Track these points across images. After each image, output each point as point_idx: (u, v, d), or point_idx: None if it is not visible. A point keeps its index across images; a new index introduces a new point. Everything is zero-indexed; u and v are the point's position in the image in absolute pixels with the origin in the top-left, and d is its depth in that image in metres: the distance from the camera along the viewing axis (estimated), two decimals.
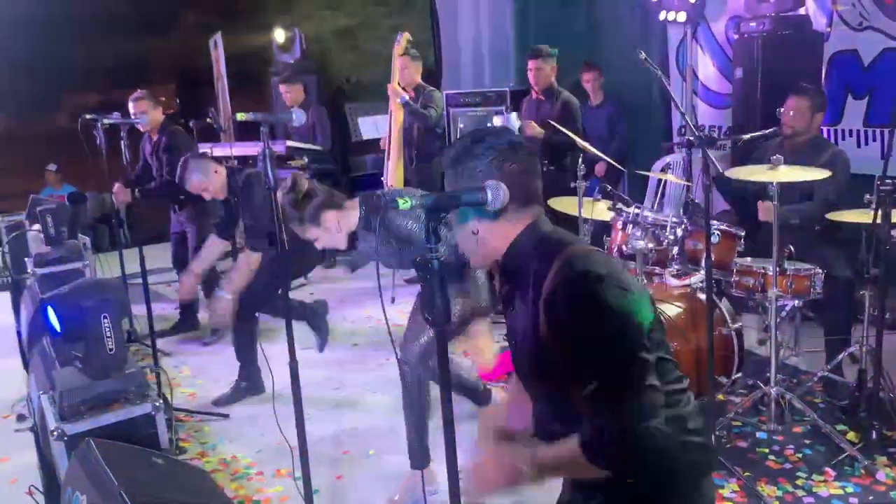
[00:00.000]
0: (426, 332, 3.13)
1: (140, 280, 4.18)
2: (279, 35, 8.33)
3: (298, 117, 2.42)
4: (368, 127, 7.42)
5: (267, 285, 3.97)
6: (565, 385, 1.47)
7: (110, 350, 3.01)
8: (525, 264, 1.56)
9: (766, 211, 3.70)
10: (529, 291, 1.53)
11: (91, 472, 2.54)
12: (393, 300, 6.03)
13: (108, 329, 3.00)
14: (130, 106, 5.28)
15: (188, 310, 5.66)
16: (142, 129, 5.35)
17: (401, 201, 1.35)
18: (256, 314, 4.25)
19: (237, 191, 4.04)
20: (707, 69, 6.18)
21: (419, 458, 3.23)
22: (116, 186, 5.20)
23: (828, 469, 3.21)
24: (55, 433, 2.87)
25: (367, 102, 7.68)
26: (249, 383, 4.35)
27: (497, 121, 5.12)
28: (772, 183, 3.35)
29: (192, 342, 5.41)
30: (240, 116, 2.33)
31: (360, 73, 8.12)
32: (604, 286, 1.43)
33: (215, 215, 5.12)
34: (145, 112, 5.22)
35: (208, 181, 4.13)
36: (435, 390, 3.40)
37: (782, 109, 4.04)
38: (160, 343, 4.69)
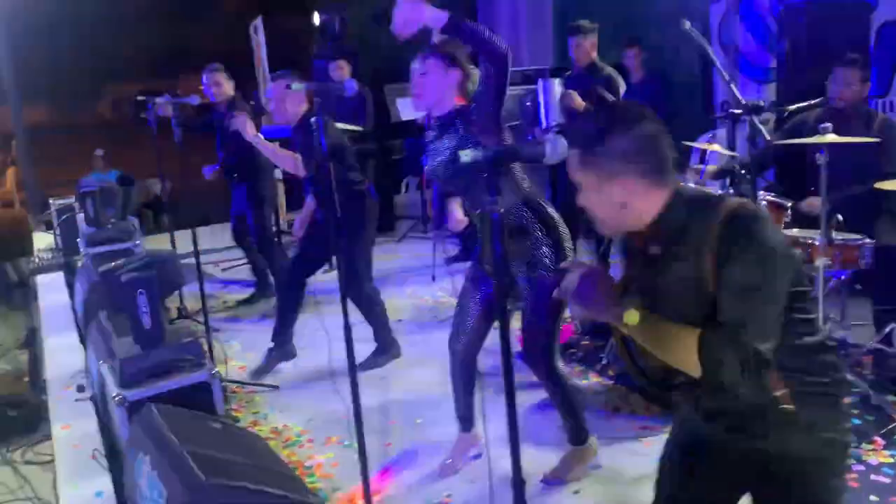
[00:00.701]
0: (469, 320, 3.12)
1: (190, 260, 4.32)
2: (319, 18, 8.40)
3: (350, 86, 2.47)
4: (406, 108, 7.45)
5: (322, 247, 4.11)
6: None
7: (146, 326, 3.10)
8: (687, 221, 1.67)
9: (813, 207, 3.68)
10: (690, 245, 1.65)
11: (153, 435, 2.64)
12: (433, 278, 6.10)
13: (143, 305, 3.09)
14: (204, 77, 5.44)
15: (264, 279, 5.88)
16: (215, 101, 5.54)
17: (463, 154, 1.39)
18: (305, 279, 4.40)
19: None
20: (749, 44, 6.11)
21: (468, 421, 3.31)
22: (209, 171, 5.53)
23: (877, 438, 3.20)
24: (117, 399, 2.98)
25: (406, 83, 7.71)
26: (279, 350, 4.46)
27: (557, 84, 5.00)
28: (822, 150, 3.32)
29: (241, 320, 5.53)
30: (294, 86, 2.39)
31: (399, 55, 8.14)
32: (770, 225, 1.61)
33: (270, 195, 5.33)
34: (220, 84, 5.42)
35: (288, 95, 3.86)
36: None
37: (829, 81, 4.00)
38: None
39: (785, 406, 1.67)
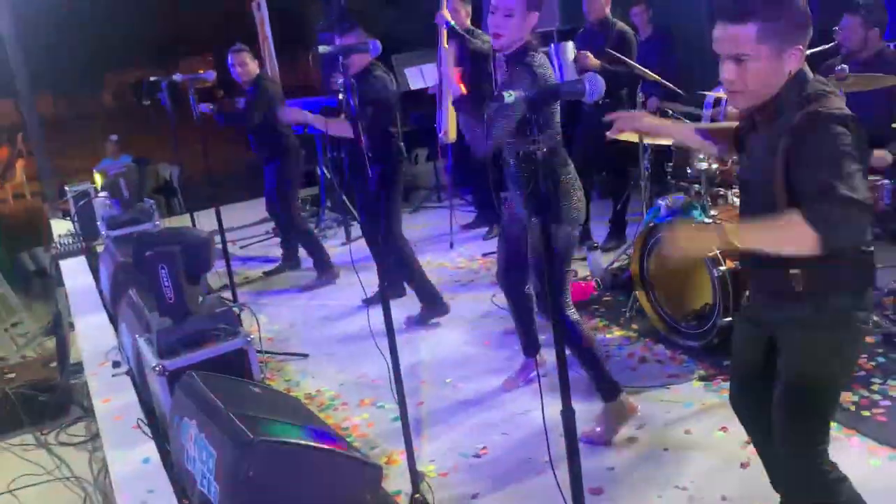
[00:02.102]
0: (510, 254, 3.33)
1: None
2: None
3: (375, 46, 2.49)
4: (415, 77, 7.45)
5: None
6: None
7: (169, 299, 3.15)
8: (786, 106, 1.81)
9: (883, 158, 3.67)
10: (774, 129, 1.81)
11: (197, 400, 2.71)
12: (451, 245, 6.14)
13: (165, 278, 3.13)
14: (230, 58, 5.49)
15: (292, 250, 6.01)
16: (240, 80, 5.59)
17: (506, 95, 1.43)
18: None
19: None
20: None
21: (530, 347, 3.51)
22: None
23: None
24: (156, 369, 3.05)
25: (412, 53, 7.71)
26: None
27: (570, 46, 5.00)
28: (839, 91, 3.33)
29: (265, 294, 5.60)
30: (322, 49, 2.41)
31: (403, 26, 8.13)
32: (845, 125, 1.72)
33: (297, 172, 5.59)
34: (245, 64, 5.47)
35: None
36: None
37: (837, 28, 4.00)
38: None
39: (798, 287, 1.85)
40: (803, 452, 2.00)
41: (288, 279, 5.86)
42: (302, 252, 5.98)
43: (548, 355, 3.56)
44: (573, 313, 3.15)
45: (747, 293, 3.37)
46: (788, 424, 2.00)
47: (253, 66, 5.55)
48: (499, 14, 2.90)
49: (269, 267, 6.17)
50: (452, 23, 5.65)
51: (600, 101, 5.05)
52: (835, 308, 1.88)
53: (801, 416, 1.98)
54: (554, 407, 1.82)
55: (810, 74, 1.86)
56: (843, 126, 1.71)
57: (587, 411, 3.25)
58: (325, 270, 5.61)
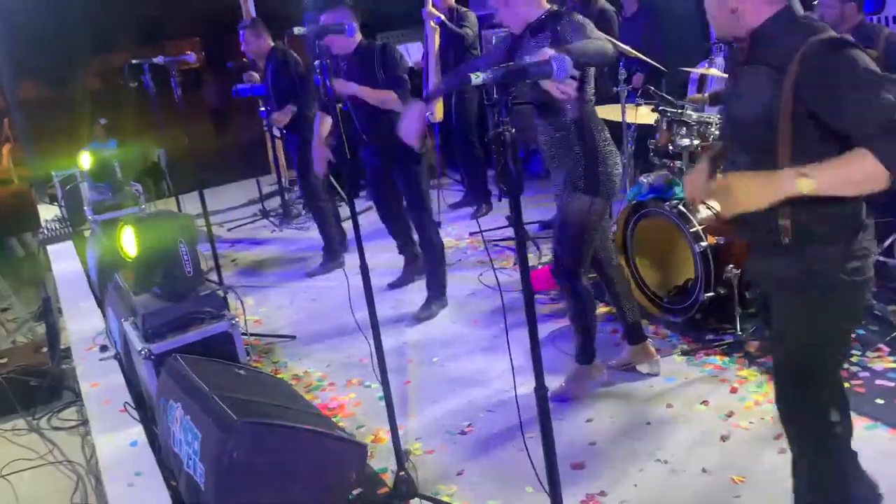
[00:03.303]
0: None
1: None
2: None
3: (350, 28, 2.49)
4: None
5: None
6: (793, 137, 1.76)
7: (189, 273, 3.18)
8: (779, 41, 1.78)
9: None
10: (768, 65, 1.78)
11: (183, 383, 2.74)
12: (440, 225, 6.14)
13: (185, 253, 3.17)
14: (241, 34, 5.38)
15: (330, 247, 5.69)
16: (251, 58, 5.56)
17: (473, 76, 1.44)
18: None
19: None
20: None
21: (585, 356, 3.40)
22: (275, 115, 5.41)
23: (881, 346, 3.30)
24: (143, 353, 3.07)
25: (398, 31, 7.68)
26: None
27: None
28: None
29: (252, 276, 5.61)
30: (297, 30, 2.41)
31: (389, 4, 8.09)
32: (859, 50, 1.72)
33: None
34: (249, 42, 5.33)
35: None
36: None
37: (816, 3, 4.00)
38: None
39: (785, 237, 1.85)
40: (803, 413, 2.02)
41: (279, 262, 5.87)
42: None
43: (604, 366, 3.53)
44: (585, 281, 3.24)
45: (730, 266, 3.42)
46: (786, 388, 2.03)
47: (259, 43, 5.35)
48: (496, 8, 3.07)
49: (260, 249, 6.17)
50: (442, 17, 5.67)
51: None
52: (822, 264, 1.86)
53: (797, 380, 1.99)
54: (530, 384, 1.85)
55: (800, 10, 1.86)
56: (859, 49, 1.72)
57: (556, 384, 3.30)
58: (333, 258, 5.43)
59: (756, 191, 1.71)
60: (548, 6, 3.04)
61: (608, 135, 3.11)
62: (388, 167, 4.33)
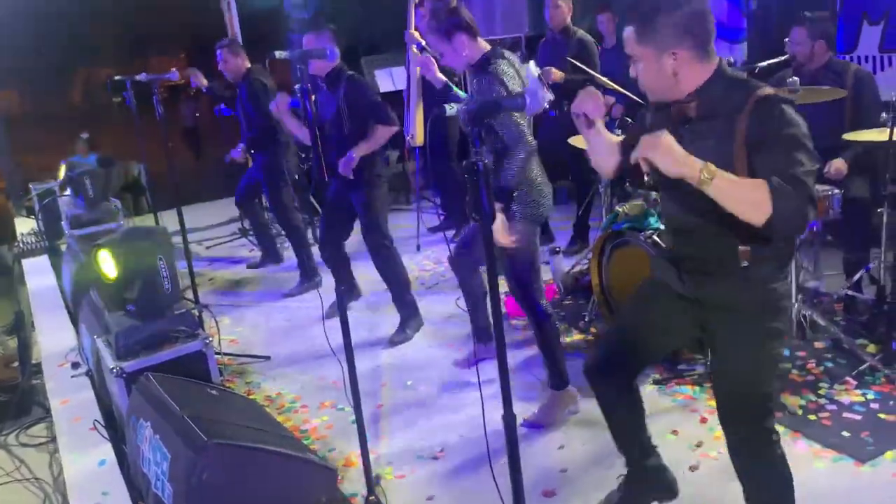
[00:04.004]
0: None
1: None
2: None
3: (332, 52, 2.51)
4: (385, 79, 7.48)
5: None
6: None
7: (167, 289, 3.18)
8: (724, 95, 1.95)
9: (840, 170, 3.79)
10: (724, 116, 1.93)
11: (153, 402, 2.73)
12: (418, 248, 6.18)
13: (164, 269, 3.16)
14: (217, 53, 5.44)
15: (272, 245, 6.04)
16: (227, 77, 5.56)
17: (448, 107, 1.47)
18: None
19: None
20: (720, 5, 6.18)
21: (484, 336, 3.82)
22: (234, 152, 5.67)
23: (849, 379, 3.34)
24: (114, 371, 3.05)
25: (383, 55, 7.75)
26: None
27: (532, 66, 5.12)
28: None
29: (229, 295, 5.59)
30: (278, 54, 2.43)
31: (374, 28, 8.17)
32: (794, 108, 1.89)
33: (289, 166, 5.51)
34: (227, 61, 5.41)
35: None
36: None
37: (787, 40, 4.10)
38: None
39: (744, 260, 2.01)
40: (759, 431, 2.15)
41: (256, 281, 5.86)
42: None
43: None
44: (546, 306, 3.32)
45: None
46: (729, 405, 2.17)
47: (237, 63, 5.43)
48: (441, 53, 3.23)
49: (238, 268, 6.17)
50: (423, 42, 5.73)
51: (564, 108, 5.12)
52: (770, 288, 2.05)
53: (755, 401, 2.12)
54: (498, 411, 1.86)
55: (728, 69, 2.03)
56: (794, 107, 1.89)
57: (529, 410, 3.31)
58: (309, 278, 5.44)
59: (675, 156, 1.87)
60: (487, 46, 3.23)
61: (536, 166, 3.25)
62: (346, 190, 4.34)
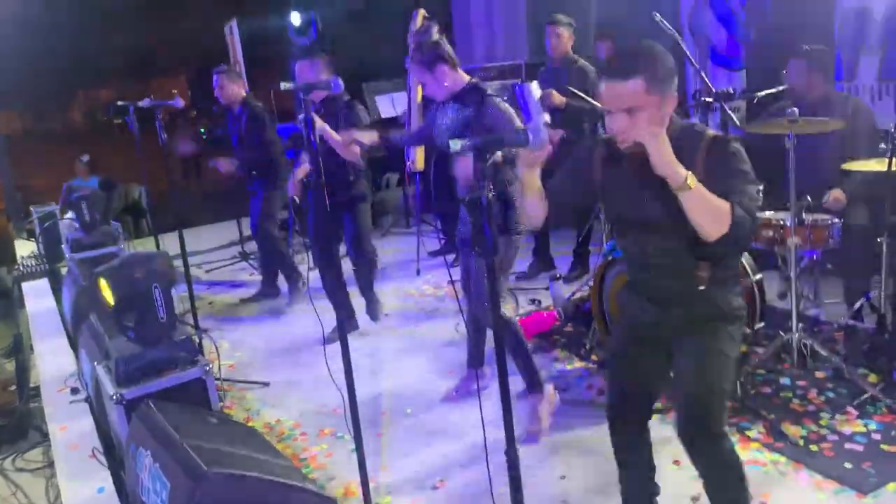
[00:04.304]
0: (471, 280, 3.62)
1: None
2: (295, 18, 8.44)
3: (336, 84, 2.54)
4: (386, 105, 7.53)
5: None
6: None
7: (161, 318, 3.17)
8: (680, 138, 2.13)
9: (838, 199, 3.81)
10: (683, 156, 2.07)
11: (153, 430, 2.71)
12: (418, 272, 6.19)
13: (158, 298, 3.16)
14: (214, 79, 5.52)
15: (271, 278, 6.01)
16: (223, 103, 5.65)
17: (452, 143, 1.48)
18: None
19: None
20: (719, 33, 6.24)
21: (476, 360, 3.87)
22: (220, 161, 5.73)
23: (850, 409, 3.33)
24: (114, 398, 3.04)
25: (384, 81, 7.80)
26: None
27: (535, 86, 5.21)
28: (789, 134, 3.45)
29: (229, 320, 5.58)
30: (283, 86, 2.45)
31: (375, 54, 8.24)
32: (740, 144, 2.17)
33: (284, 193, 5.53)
34: (223, 87, 5.49)
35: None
36: None
37: (785, 71, 4.14)
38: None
39: (702, 286, 2.26)
40: (721, 431, 2.31)
41: (256, 305, 5.85)
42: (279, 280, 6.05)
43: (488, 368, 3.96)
44: (508, 314, 3.58)
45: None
46: (696, 406, 2.30)
47: (234, 88, 5.52)
48: (423, 82, 3.50)
49: (237, 292, 6.16)
50: None
51: (563, 136, 5.17)
52: (728, 303, 2.32)
53: (714, 399, 2.27)
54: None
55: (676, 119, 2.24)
56: (739, 144, 2.16)
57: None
58: (295, 286, 5.71)
59: (669, 154, 2.03)
60: (467, 77, 3.52)
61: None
62: (336, 208, 4.59)
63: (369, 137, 4.06)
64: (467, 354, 3.92)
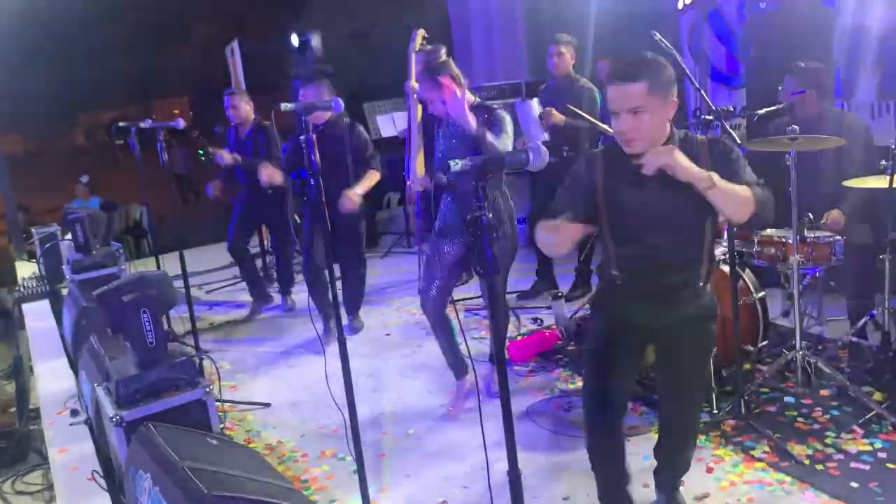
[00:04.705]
0: (436, 280, 3.84)
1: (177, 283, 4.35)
2: (295, 40, 8.46)
3: (337, 105, 2.55)
4: (387, 125, 7.56)
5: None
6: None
7: (150, 343, 3.14)
8: (683, 144, 2.38)
9: (837, 220, 3.80)
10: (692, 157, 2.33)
11: (153, 452, 2.69)
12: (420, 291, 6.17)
13: (147, 323, 3.13)
14: (225, 99, 5.69)
15: (260, 289, 6.13)
16: (235, 123, 5.79)
17: (452, 163, 1.48)
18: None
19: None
20: (719, 51, 6.27)
21: (459, 369, 3.98)
22: (213, 183, 5.93)
23: (855, 427, 3.31)
24: (114, 420, 3.02)
25: (385, 101, 7.84)
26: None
27: (535, 104, 5.33)
28: (790, 152, 3.45)
29: (230, 341, 5.56)
30: (284, 107, 2.46)
31: (376, 74, 8.28)
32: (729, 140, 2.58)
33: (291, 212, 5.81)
34: (236, 107, 5.67)
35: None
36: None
37: (781, 89, 4.14)
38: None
39: (701, 282, 2.52)
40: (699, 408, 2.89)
41: (257, 325, 5.83)
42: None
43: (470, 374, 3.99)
44: (448, 314, 3.90)
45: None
46: (695, 395, 2.76)
47: (247, 109, 5.69)
48: (445, 99, 3.62)
49: (238, 312, 6.15)
50: None
51: (564, 154, 5.20)
52: (713, 298, 2.59)
53: (701, 386, 2.80)
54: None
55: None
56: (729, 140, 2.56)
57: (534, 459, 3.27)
58: (286, 291, 5.98)
59: (687, 162, 2.28)
60: (472, 98, 3.78)
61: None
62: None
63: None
64: (448, 364, 4.01)
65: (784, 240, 3.71)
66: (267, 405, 4.28)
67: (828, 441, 3.24)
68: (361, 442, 2.71)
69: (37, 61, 8.88)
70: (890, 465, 3.03)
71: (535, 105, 5.20)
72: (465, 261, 3.79)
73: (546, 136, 5.14)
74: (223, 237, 8.50)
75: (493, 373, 4.00)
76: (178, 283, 4.30)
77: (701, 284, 2.52)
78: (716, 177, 2.26)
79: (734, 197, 2.30)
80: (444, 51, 4.33)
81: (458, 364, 3.98)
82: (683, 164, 2.26)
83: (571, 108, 5.00)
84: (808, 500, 2.90)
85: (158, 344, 3.20)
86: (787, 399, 3.63)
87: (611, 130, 4.63)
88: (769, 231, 3.84)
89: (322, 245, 4.79)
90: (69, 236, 6.08)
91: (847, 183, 3.70)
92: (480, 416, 2.18)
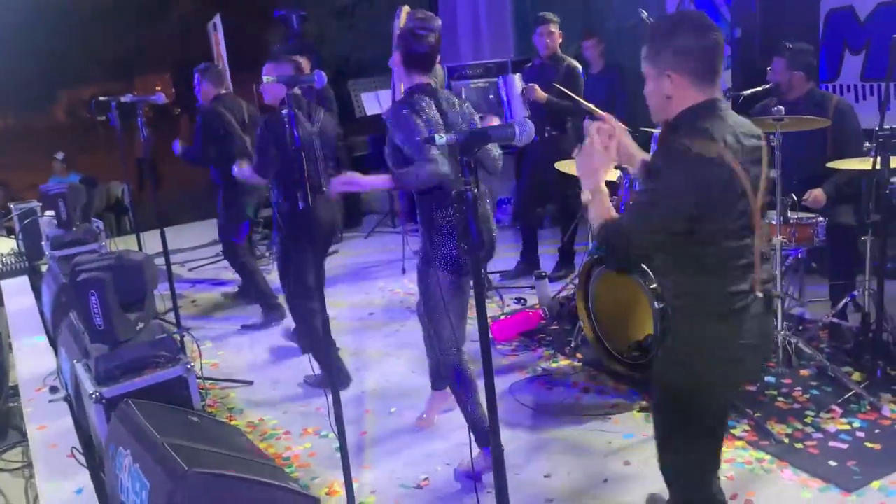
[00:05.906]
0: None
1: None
2: (277, 15, 8.36)
3: (320, 78, 2.51)
4: (371, 102, 7.50)
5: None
6: None
7: (99, 325, 3.08)
8: (677, 132, 1.95)
9: (818, 199, 3.82)
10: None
11: (133, 429, 2.67)
12: (404, 271, 6.16)
13: (94, 305, 3.07)
14: (195, 77, 5.30)
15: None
16: (201, 103, 5.37)
17: (437, 136, 1.45)
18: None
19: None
20: None
21: (437, 379, 3.60)
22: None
23: (834, 407, 3.34)
24: (93, 397, 2.99)
25: (369, 78, 7.77)
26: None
27: (518, 79, 5.19)
28: (775, 132, 3.45)
29: (211, 319, 5.53)
30: (266, 79, 2.42)
31: (360, 51, 8.21)
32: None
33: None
34: (197, 86, 5.26)
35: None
36: None
37: (769, 69, 4.14)
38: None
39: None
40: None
41: (239, 304, 5.78)
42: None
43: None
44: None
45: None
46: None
47: (207, 89, 5.27)
48: None
49: (221, 290, 6.10)
50: None
51: (547, 134, 5.18)
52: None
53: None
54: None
55: (703, 120, 1.94)
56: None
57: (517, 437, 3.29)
58: (272, 309, 5.21)
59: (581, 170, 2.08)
60: (426, 81, 3.26)
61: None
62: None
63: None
64: (430, 374, 3.68)
65: (768, 221, 3.71)
66: (249, 383, 4.26)
67: (807, 420, 3.28)
68: (344, 419, 2.70)
69: (15, 37, 8.71)
70: (868, 444, 3.07)
71: (517, 80, 5.16)
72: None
73: (527, 112, 5.10)
74: (207, 215, 8.45)
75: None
76: (160, 261, 4.26)
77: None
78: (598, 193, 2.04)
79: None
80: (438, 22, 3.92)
81: (437, 374, 3.60)
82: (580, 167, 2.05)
83: (558, 86, 4.97)
84: (786, 478, 2.93)
85: (107, 328, 3.10)
86: (768, 379, 3.66)
87: (595, 109, 4.62)
88: None
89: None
90: (49, 212, 6.00)
91: (831, 164, 3.72)
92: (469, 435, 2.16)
